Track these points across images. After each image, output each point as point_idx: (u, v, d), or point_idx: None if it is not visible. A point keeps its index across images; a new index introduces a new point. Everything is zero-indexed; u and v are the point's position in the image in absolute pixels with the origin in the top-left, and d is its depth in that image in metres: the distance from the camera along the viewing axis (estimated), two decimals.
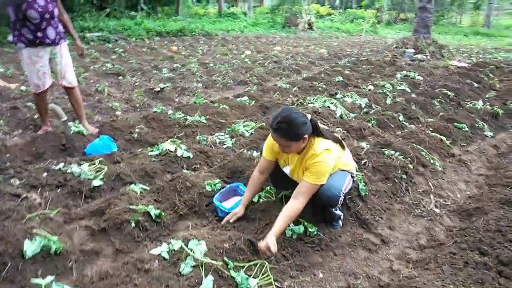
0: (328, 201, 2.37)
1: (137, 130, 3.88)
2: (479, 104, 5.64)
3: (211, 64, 7.97)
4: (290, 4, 22.22)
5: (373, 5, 28.84)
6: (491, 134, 4.85)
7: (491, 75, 7.73)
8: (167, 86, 5.73)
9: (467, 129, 4.72)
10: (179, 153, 3.30)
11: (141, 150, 3.43)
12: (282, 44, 13.33)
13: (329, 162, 2.24)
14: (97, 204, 2.53)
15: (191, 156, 3.36)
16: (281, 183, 2.70)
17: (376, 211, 2.87)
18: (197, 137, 3.91)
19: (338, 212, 2.57)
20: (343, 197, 2.43)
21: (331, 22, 23.95)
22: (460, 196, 3.34)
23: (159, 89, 5.52)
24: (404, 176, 3.33)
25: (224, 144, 3.84)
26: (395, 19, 29.82)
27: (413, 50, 9.54)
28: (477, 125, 4.90)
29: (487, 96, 6.35)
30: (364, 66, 8.03)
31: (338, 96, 5.65)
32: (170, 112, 4.50)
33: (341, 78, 6.79)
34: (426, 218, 2.93)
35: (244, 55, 9.68)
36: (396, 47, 10.31)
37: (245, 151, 3.51)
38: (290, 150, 2.26)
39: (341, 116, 4.87)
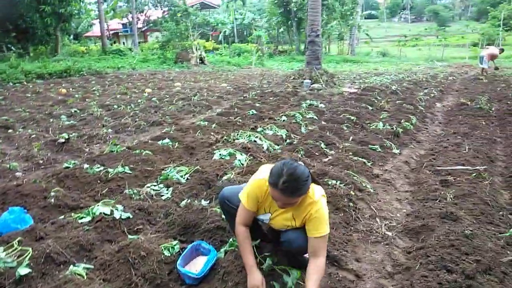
0: (300, 250, 2.30)
1: (52, 193, 3.23)
2: (380, 125, 6.28)
3: (115, 106, 7.35)
4: (178, 40, 22.32)
5: (258, 39, 30.86)
6: (398, 151, 5.39)
7: (378, 97, 8.78)
8: (72, 136, 5.00)
9: (379, 149, 5.16)
10: (116, 215, 2.83)
11: (66, 217, 2.84)
12: (180, 79, 13.15)
13: (326, 208, 2.17)
14: None
15: (131, 216, 2.91)
16: (252, 233, 2.50)
17: (340, 244, 2.86)
18: (126, 192, 3.44)
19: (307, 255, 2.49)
20: None
21: (220, 56, 24.76)
22: (399, 215, 3.56)
23: (63, 140, 4.77)
24: (351, 204, 3.42)
25: (162, 196, 3.45)
26: (274, 52, 32.45)
27: (309, 80, 10.37)
28: (385, 144, 5.41)
29: (381, 117, 7.13)
30: (271, 98, 8.35)
31: (259, 129, 5.69)
32: (85, 166, 3.90)
33: (254, 111, 6.90)
34: (382, 243, 3.02)
35: (146, 94, 9.21)
36: (293, 78, 11.08)
37: (194, 201, 3.20)
38: (292, 205, 2.09)
39: (268, 149, 4.89)
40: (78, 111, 6.86)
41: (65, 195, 3.28)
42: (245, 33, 36.79)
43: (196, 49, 20.48)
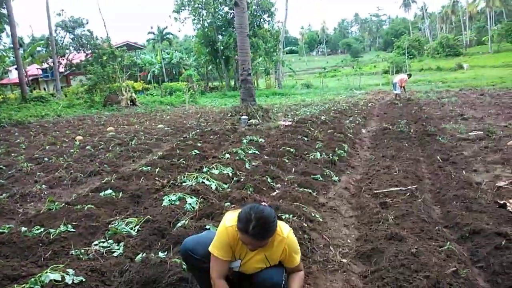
0: (276, 286, 2.31)
1: None
2: (318, 155, 6.65)
3: (45, 158, 6.82)
4: (106, 83, 21.67)
5: (189, 78, 31.16)
6: (337, 178, 5.73)
7: (311, 128, 9.32)
8: (1, 197, 4.54)
9: (321, 178, 5.46)
10: (68, 280, 2.61)
11: None
12: (112, 123, 12.70)
13: (295, 239, 2.33)
14: None
15: (84, 280, 2.70)
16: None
17: None
18: (73, 252, 3.21)
19: None
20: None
21: (152, 96, 24.46)
22: (349, 240, 3.76)
23: None
24: (306, 236, 3.54)
25: (113, 252, 3.26)
26: (205, 89, 33.03)
27: (246, 117, 10.70)
28: (325, 173, 5.73)
29: (317, 146, 7.56)
30: (212, 136, 8.42)
31: (205, 169, 5.69)
32: (23, 229, 3.56)
33: (197, 151, 6.90)
34: (339, 270, 3.15)
35: (78, 142, 8.72)
36: (231, 115, 11.34)
37: (150, 254, 3.07)
38: (264, 246, 2.15)
39: (217, 189, 4.91)
40: (4, 167, 6.25)
41: (3, 265, 2.95)
42: (174, 72, 36.95)
43: (126, 91, 20.03)
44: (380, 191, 4.81)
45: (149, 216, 3.87)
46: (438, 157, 6.32)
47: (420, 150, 7.21)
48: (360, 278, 3.03)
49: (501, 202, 4.17)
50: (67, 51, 22.51)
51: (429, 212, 4.08)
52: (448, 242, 3.26)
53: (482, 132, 8.23)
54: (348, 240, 3.74)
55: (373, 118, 12.62)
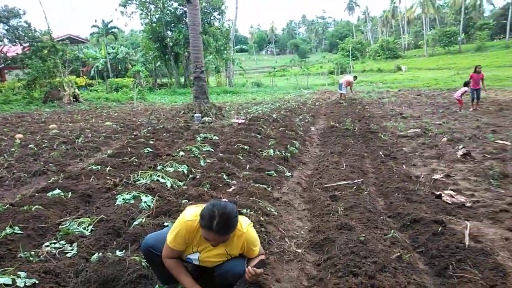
0: (237, 278, 2.41)
1: None
2: (271, 151, 6.84)
3: None
4: (46, 78, 20.31)
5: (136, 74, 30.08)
6: (290, 174, 5.96)
7: (264, 126, 9.52)
8: None
9: (275, 174, 5.64)
10: (20, 283, 2.51)
11: None
12: (54, 121, 12.00)
13: (255, 232, 2.42)
14: None
15: (37, 282, 2.61)
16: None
17: None
18: (22, 255, 3.06)
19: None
20: None
21: (97, 92, 23.33)
22: (303, 232, 3.96)
23: None
24: (263, 229, 3.68)
25: (66, 253, 3.16)
26: (153, 85, 32.15)
27: (200, 114, 10.63)
28: (278, 169, 5.92)
29: (270, 144, 7.76)
30: (164, 134, 8.29)
31: (159, 167, 5.63)
32: None
33: (149, 149, 6.78)
34: (295, 260, 3.32)
35: (18, 140, 8.15)
36: (183, 113, 11.19)
37: (107, 253, 3.02)
38: (226, 241, 2.21)
39: (172, 187, 4.90)
40: None
41: None
42: (120, 68, 35.50)
43: (68, 87, 18.93)
44: (329, 185, 5.09)
45: (103, 216, 3.79)
46: (381, 153, 6.79)
47: (365, 146, 7.68)
48: (314, 266, 3.22)
49: (437, 193, 4.62)
50: (1, 43, 20.69)
51: (374, 203, 4.41)
52: (392, 230, 3.56)
53: (419, 130, 8.95)
54: (302, 232, 3.94)
55: (321, 117, 13.14)
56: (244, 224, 2.38)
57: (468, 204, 4.31)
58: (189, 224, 2.29)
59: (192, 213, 2.31)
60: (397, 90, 24.21)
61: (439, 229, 3.50)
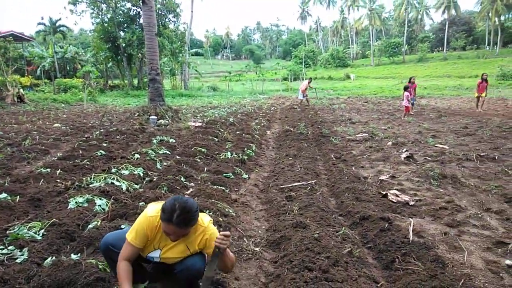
0: (199, 274, 2.46)
1: None
2: (228, 154, 6.93)
3: None
4: None
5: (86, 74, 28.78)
6: (247, 176, 6.07)
7: (221, 129, 9.58)
8: None
9: (232, 176, 5.73)
10: None
11: None
12: None
13: (215, 229, 2.44)
14: None
15: None
16: (138, 274, 2.51)
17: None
18: None
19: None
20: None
21: (43, 93, 22.02)
22: (260, 231, 4.08)
23: None
24: (221, 230, 3.75)
25: (16, 259, 3.02)
26: (105, 87, 30.96)
27: (155, 117, 10.43)
28: (236, 171, 6.02)
29: (227, 147, 7.84)
30: (118, 136, 8.05)
31: (113, 170, 5.49)
32: None
33: (103, 152, 6.57)
34: (253, 258, 3.43)
35: None
36: (138, 115, 10.91)
37: (62, 257, 2.93)
38: (185, 236, 2.23)
39: (128, 190, 4.82)
40: None
41: None
42: (68, 68, 33.76)
43: (12, 86, 17.69)
44: (285, 186, 5.27)
45: (55, 219, 3.65)
46: (332, 156, 7.13)
47: (317, 149, 8.01)
48: (271, 263, 3.35)
49: (383, 192, 4.97)
50: None
51: (327, 203, 4.65)
52: (343, 228, 3.79)
53: (367, 134, 9.49)
54: (260, 231, 4.06)
55: (276, 121, 13.46)
56: (205, 220, 2.42)
57: (412, 203, 4.67)
58: (151, 220, 2.31)
59: (154, 209, 2.33)
60: (346, 97, 25.36)
61: (386, 226, 3.78)
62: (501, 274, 3.05)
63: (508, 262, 3.19)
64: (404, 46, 66.12)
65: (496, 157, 6.59)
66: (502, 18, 60.34)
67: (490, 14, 58.66)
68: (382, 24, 74.22)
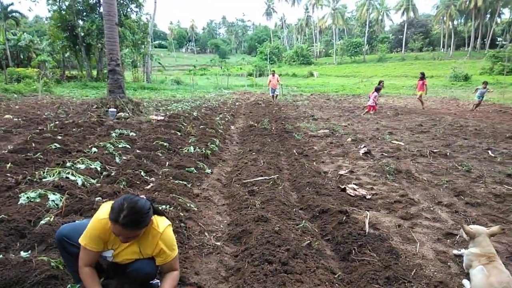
0: (148, 277, 2.46)
1: None
2: (191, 149, 6.84)
3: None
4: None
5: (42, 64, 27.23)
6: (210, 171, 6.04)
7: (184, 123, 9.43)
8: None
9: (195, 171, 5.67)
10: None
11: None
12: None
13: (173, 235, 2.36)
14: None
15: None
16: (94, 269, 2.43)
17: (180, 263, 3.07)
18: None
19: (155, 280, 2.64)
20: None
21: None
22: (222, 226, 4.07)
23: None
24: (182, 224, 3.71)
25: None
26: (61, 77, 29.52)
27: (115, 109, 10.05)
28: (199, 166, 5.96)
29: (190, 141, 7.74)
30: (74, 129, 7.69)
31: (68, 164, 5.26)
32: None
33: (57, 145, 6.26)
34: (214, 253, 3.42)
35: None
36: (96, 107, 10.46)
37: (9, 254, 2.77)
38: (135, 238, 2.16)
39: (84, 185, 4.64)
40: None
41: None
42: (22, 56, 31.79)
43: None
44: (248, 180, 5.29)
45: (3, 216, 3.44)
46: (295, 151, 7.24)
47: (280, 145, 8.10)
48: (232, 257, 3.35)
49: (342, 186, 5.13)
50: None
51: (288, 197, 4.73)
52: (303, 221, 3.87)
53: (328, 131, 9.72)
54: (221, 226, 4.05)
55: (241, 116, 13.45)
56: (162, 224, 2.32)
57: (368, 196, 4.85)
58: (103, 223, 2.21)
59: (105, 211, 2.22)
60: (309, 94, 25.82)
61: (344, 219, 3.90)
62: (448, 263, 3.25)
63: (455, 251, 3.40)
64: (365, 46, 68.28)
65: (448, 154, 6.99)
66: (456, 22, 63.95)
67: (444, 18, 61.98)
68: (344, 24, 76.21)
